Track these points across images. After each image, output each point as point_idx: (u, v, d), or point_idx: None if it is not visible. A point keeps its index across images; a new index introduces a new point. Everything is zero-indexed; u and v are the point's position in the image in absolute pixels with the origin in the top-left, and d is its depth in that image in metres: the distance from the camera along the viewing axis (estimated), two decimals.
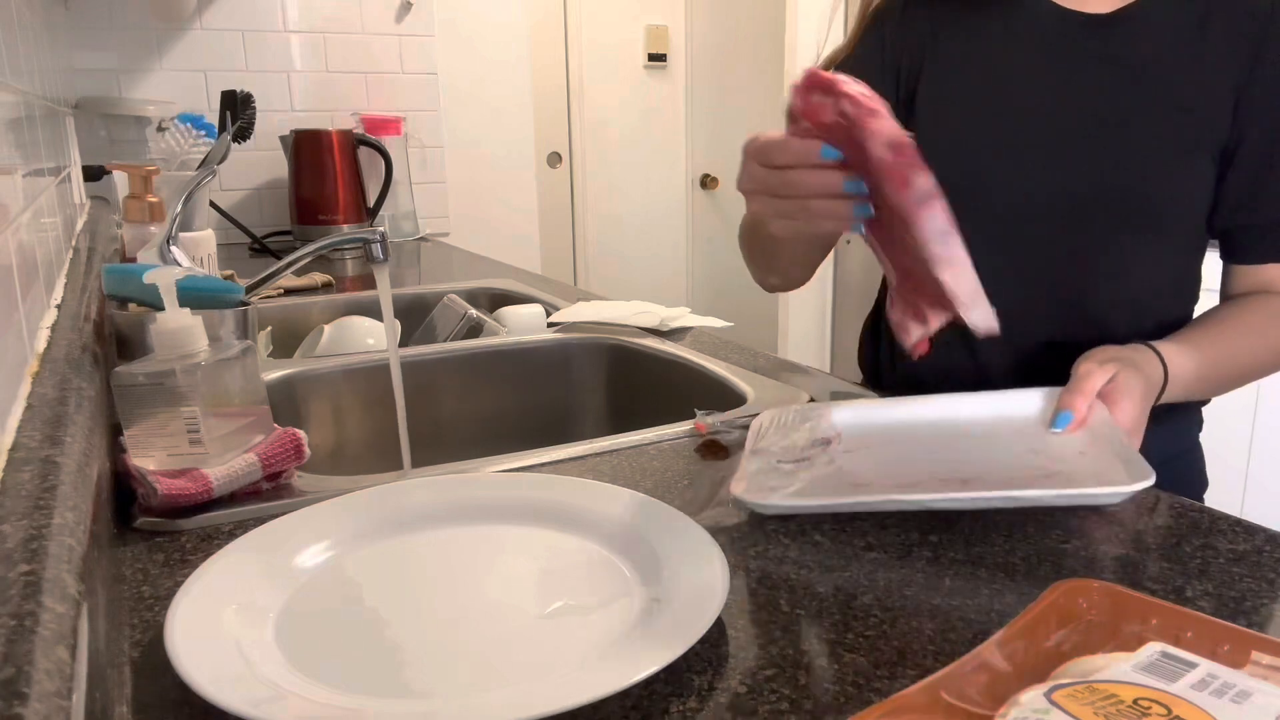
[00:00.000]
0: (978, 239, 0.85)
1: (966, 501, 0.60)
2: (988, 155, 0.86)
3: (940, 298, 0.60)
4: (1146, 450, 0.67)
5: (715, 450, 0.76)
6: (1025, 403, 0.75)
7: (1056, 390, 0.74)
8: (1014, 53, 0.86)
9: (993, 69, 0.87)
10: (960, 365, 0.90)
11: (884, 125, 0.56)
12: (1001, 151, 0.86)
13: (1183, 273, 0.89)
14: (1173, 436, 0.81)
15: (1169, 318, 0.86)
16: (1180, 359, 0.78)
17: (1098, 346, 0.78)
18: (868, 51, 0.93)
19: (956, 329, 0.75)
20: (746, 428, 0.77)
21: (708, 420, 0.80)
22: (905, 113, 0.90)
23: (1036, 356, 0.87)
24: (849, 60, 0.93)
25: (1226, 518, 0.63)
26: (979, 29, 0.88)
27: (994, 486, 0.61)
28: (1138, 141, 0.82)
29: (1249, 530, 0.61)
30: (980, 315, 0.59)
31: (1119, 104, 0.82)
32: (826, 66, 0.93)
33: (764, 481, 0.66)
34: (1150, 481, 0.57)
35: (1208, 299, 0.90)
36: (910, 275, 0.64)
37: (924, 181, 0.56)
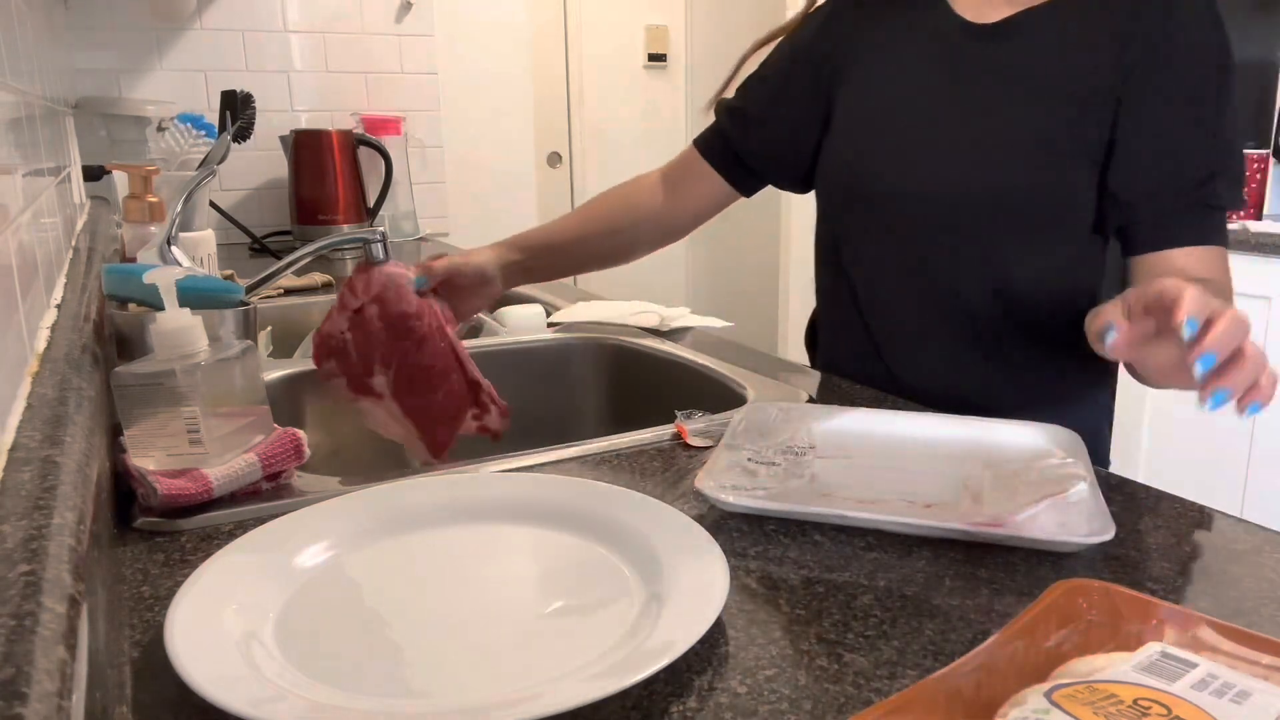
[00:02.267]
0: (877, 235, 0.96)
1: (921, 528, 0.60)
2: (886, 158, 0.92)
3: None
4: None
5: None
6: (1013, 433, 0.74)
7: (1048, 426, 0.74)
8: (919, 60, 0.92)
9: (900, 75, 0.93)
10: (874, 369, 0.98)
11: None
12: (898, 154, 0.91)
13: (1070, 270, 0.90)
14: (1077, 421, 0.83)
15: (1060, 313, 0.89)
16: None
17: (983, 337, 0.88)
18: (798, 41, 1.01)
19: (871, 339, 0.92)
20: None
21: (688, 423, 0.80)
22: (825, 107, 0.98)
23: (930, 351, 0.94)
24: (780, 48, 1.02)
25: (1226, 518, 0.63)
26: (895, 36, 0.94)
27: (951, 517, 0.60)
28: (1016, 144, 0.85)
29: (1249, 530, 0.61)
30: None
31: (1001, 109, 0.87)
32: (764, 43, 1.04)
33: (730, 478, 0.66)
34: (1109, 536, 0.55)
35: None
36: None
37: None
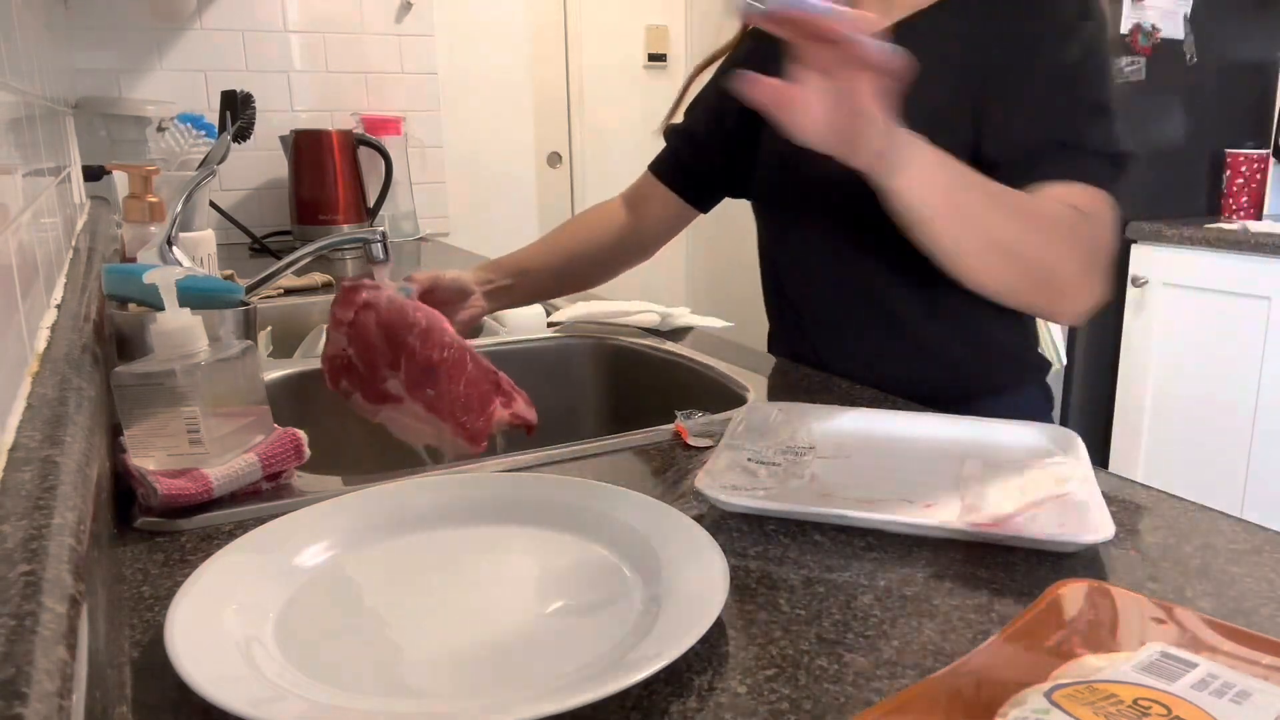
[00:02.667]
0: (802, 230, 1.01)
1: (921, 528, 0.60)
2: (805, 154, 0.93)
3: None
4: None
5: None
6: (1013, 433, 0.74)
7: (1048, 426, 0.74)
8: None
9: None
10: (801, 348, 1.04)
11: None
12: (804, 155, 0.93)
13: None
14: (1012, 413, 0.85)
15: (981, 305, 0.88)
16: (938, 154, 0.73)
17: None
18: (734, 59, 1.07)
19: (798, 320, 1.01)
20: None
21: (688, 423, 0.80)
22: (755, 116, 1.02)
23: (859, 344, 0.98)
24: (720, 67, 1.09)
25: (1226, 518, 0.63)
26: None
27: (951, 517, 0.60)
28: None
29: (1249, 530, 0.61)
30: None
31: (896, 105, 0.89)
32: (701, 69, 1.11)
33: (729, 478, 0.66)
34: (1109, 536, 0.55)
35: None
36: None
37: None
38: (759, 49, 1.04)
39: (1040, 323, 1.11)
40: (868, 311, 0.97)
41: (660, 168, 1.13)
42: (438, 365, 0.90)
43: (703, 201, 1.13)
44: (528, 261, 1.12)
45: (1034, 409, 1.00)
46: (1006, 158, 0.84)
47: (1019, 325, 1.00)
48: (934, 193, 0.72)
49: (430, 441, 0.93)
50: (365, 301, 0.93)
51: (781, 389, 0.95)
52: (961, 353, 0.97)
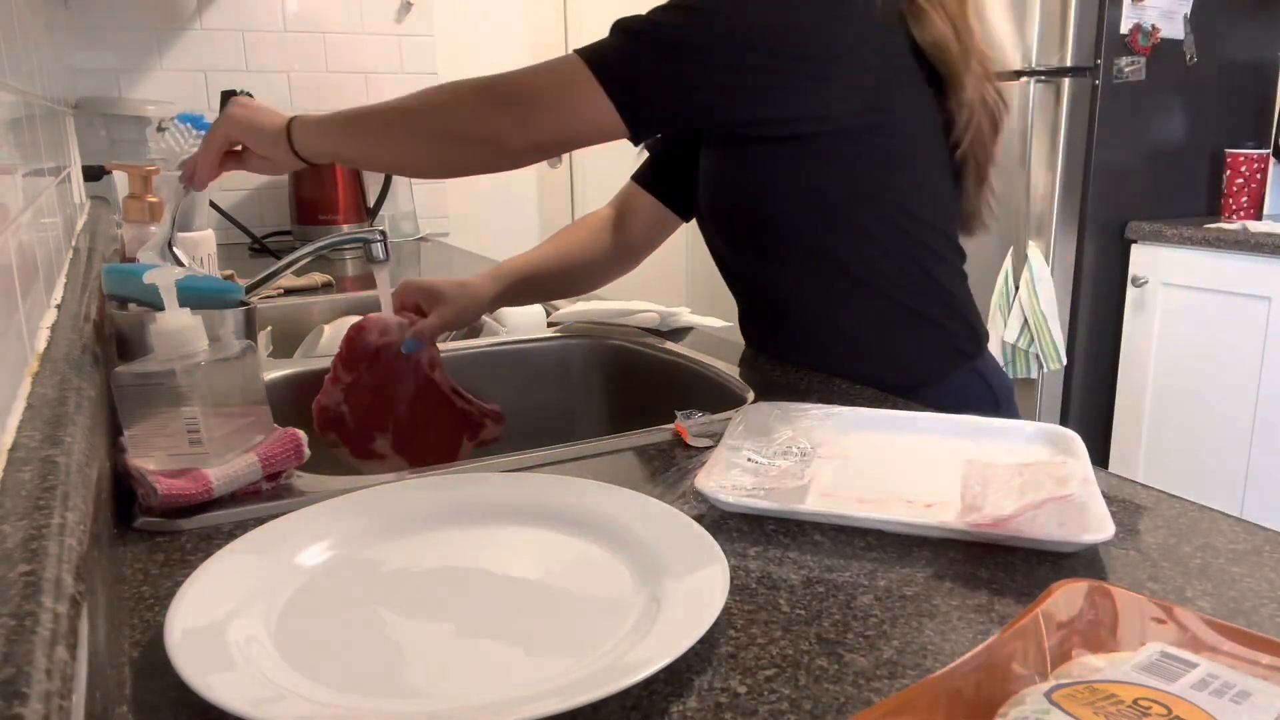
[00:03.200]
0: (707, 227, 1.05)
1: (921, 528, 0.60)
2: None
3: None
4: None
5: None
6: (1013, 433, 0.74)
7: (1048, 426, 0.74)
8: None
9: None
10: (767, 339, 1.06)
11: None
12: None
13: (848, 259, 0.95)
14: (949, 396, 0.91)
15: (892, 295, 0.94)
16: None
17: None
18: None
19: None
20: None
21: (688, 423, 0.80)
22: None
23: (787, 310, 1.00)
24: None
25: (1226, 518, 0.63)
26: None
27: (951, 517, 0.60)
28: None
29: (1249, 530, 0.61)
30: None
31: None
32: None
33: (729, 478, 0.66)
34: (1109, 536, 0.55)
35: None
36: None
37: None
38: None
39: (1041, 323, 1.10)
40: (776, 311, 1.00)
41: (643, 178, 1.16)
42: (423, 425, 0.94)
43: (685, 209, 1.13)
44: (533, 268, 1.14)
45: (966, 396, 0.99)
46: None
47: (932, 308, 0.98)
48: (322, 145, 0.90)
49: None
50: (371, 355, 0.95)
51: (781, 389, 0.95)
52: (879, 342, 0.97)
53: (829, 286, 0.95)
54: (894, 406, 0.86)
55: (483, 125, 0.85)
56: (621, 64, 0.84)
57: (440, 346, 1.14)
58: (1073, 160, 2.22)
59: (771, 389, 0.95)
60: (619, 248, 1.16)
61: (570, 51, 0.84)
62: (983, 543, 0.58)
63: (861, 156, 0.90)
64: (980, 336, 1.02)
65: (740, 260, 1.01)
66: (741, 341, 1.13)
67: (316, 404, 0.96)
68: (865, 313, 0.96)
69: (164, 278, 0.68)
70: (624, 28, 0.85)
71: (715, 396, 0.99)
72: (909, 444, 0.74)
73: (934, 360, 0.98)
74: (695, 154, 1.06)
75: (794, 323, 0.99)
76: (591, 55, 0.84)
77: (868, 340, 0.97)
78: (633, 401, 1.15)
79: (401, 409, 0.96)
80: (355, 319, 1.22)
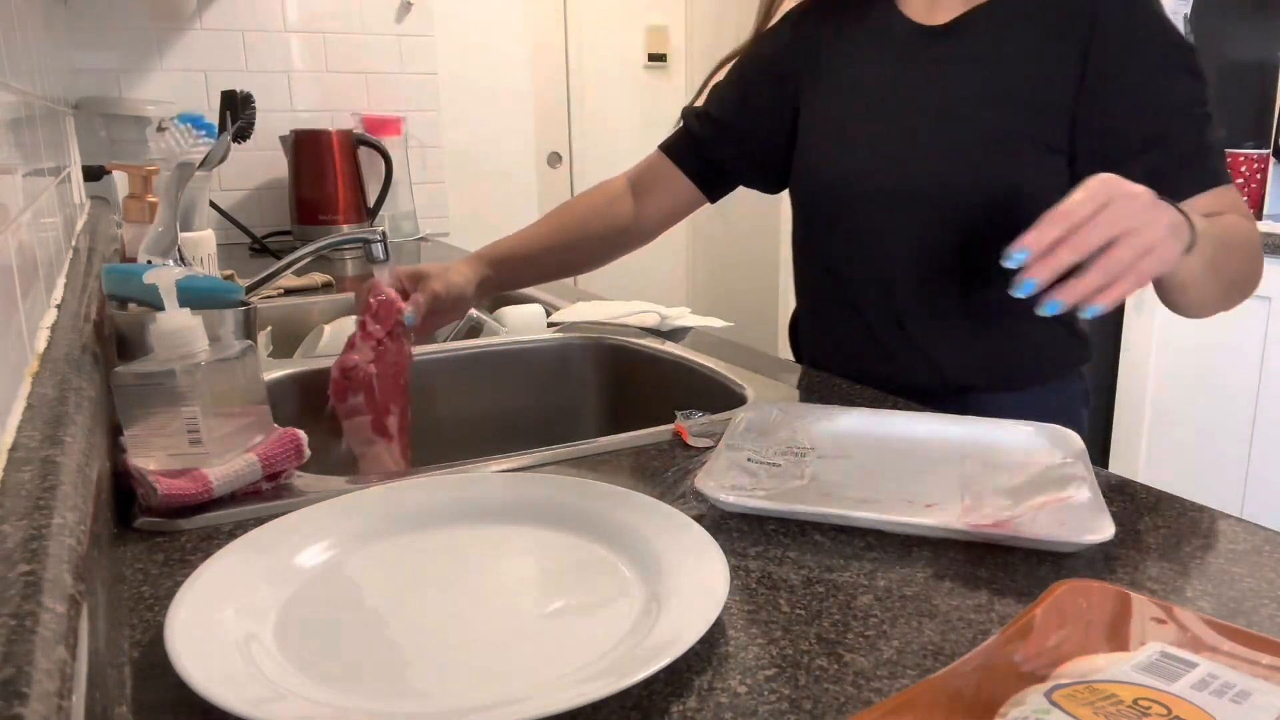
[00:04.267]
0: (846, 230, 0.99)
1: (921, 528, 0.60)
2: (850, 157, 0.96)
3: None
4: (1027, 412, 0.77)
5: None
6: (1013, 433, 0.74)
7: (1048, 426, 0.74)
8: (875, 64, 0.96)
9: (859, 78, 0.97)
10: (867, 358, 0.99)
11: None
12: (860, 152, 0.95)
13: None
14: (1049, 404, 0.89)
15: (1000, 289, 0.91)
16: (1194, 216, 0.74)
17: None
18: (762, 53, 1.06)
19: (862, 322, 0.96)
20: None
21: (688, 423, 0.80)
22: (791, 116, 1.03)
23: (895, 338, 0.96)
24: (746, 59, 1.07)
25: (1226, 518, 0.63)
26: (852, 42, 0.99)
27: (951, 517, 0.60)
28: (974, 136, 0.88)
29: (1249, 530, 0.61)
30: None
31: (950, 108, 0.89)
32: (729, 60, 1.09)
33: (729, 478, 0.66)
34: (1109, 536, 0.55)
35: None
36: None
37: None
38: (786, 44, 1.04)
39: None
40: (919, 299, 0.95)
41: (674, 149, 1.09)
42: (406, 417, 0.94)
43: (714, 189, 1.10)
44: (527, 246, 1.09)
45: (1075, 398, 1.00)
46: (1114, 154, 0.83)
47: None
48: (1199, 263, 0.73)
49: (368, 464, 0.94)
50: (390, 331, 0.91)
51: (781, 389, 0.95)
52: (1008, 340, 0.95)
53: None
54: (894, 407, 0.86)
55: (1255, 281, 0.85)
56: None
57: (436, 347, 1.14)
58: None
59: (771, 389, 0.95)
60: (629, 223, 1.11)
61: (1228, 188, 0.84)
62: (983, 543, 0.58)
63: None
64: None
65: (934, 266, 0.94)
66: (741, 341, 1.13)
67: (340, 365, 0.90)
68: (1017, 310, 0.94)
69: (164, 278, 0.68)
70: (1222, 150, 0.85)
71: (715, 396, 0.99)
72: (909, 444, 0.74)
73: (1056, 357, 0.98)
74: (753, 141, 1.04)
75: (957, 323, 0.94)
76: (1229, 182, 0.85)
77: (1016, 333, 0.95)
78: (633, 401, 1.15)
79: (405, 390, 0.93)
80: (356, 319, 1.22)
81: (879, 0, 0.98)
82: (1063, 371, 0.99)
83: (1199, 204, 0.82)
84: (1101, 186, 0.65)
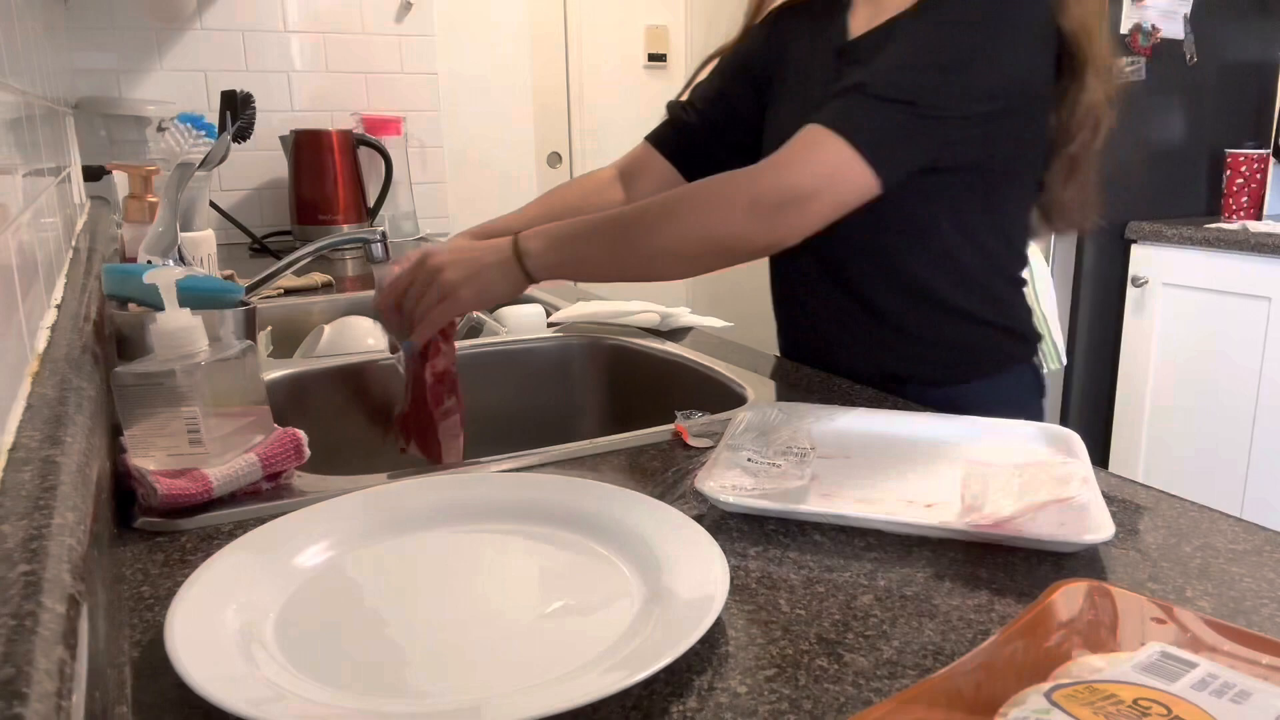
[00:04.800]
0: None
1: (921, 528, 0.60)
2: None
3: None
4: (973, 402, 0.86)
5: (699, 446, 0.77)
6: (1013, 433, 0.74)
7: (1048, 426, 0.74)
8: (819, 72, 0.99)
9: (806, 85, 1.00)
10: (805, 337, 1.06)
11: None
12: None
13: (953, 252, 0.94)
14: (1003, 391, 0.92)
15: (964, 287, 0.95)
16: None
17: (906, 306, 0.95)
18: (740, 50, 1.10)
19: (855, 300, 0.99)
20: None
21: (688, 423, 0.81)
22: (761, 112, 1.07)
23: (861, 315, 0.99)
24: (729, 56, 1.11)
25: (1226, 518, 0.63)
26: (810, 48, 1.02)
27: (951, 517, 0.60)
28: None
29: (1249, 530, 0.61)
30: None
31: None
32: (714, 56, 1.14)
33: (729, 478, 0.66)
34: (1109, 536, 0.56)
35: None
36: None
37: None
38: (762, 44, 1.07)
39: (1041, 323, 1.11)
40: (847, 296, 0.99)
41: (659, 139, 1.14)
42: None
43: (695, 173, 1.10)
44: (516, 229, 1.11)
45: (1023, 389, 1.02)
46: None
47: (996, 302, 0.99)
48: (559, 266, 0.86)
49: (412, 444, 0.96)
50: (451, 325, 0.94)
51: (781, 389, 0.95)
52: (944, 333, 0.97)
53: (934, 280, 0.95)
54: (894, 407, 0.86)
55: (762, 233, 0.82)
56: (883, 134, 0.82)
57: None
58: None
59: (771, 389, 0.95)
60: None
61: (815, 126, 0.82)
62: (983, 543, 0.58)
63: (997, 185, 0.93)
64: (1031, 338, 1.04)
65: (855, 261, 0.98)
66: (741, 341, 1.13)
67: (433, 372, 0.92)
68: (945, 297, 0.96)
69: (164, 278, 0.68)
70: (878, 95, 0.82)
71: (715, 396, 0.99)
72: (909, 444, 0.74)
73: (997, 348, 1.00)
74: (732, 133, 1.08)
75: (887, 321, 0.98)
76: (851, 130, 0.81)
77: (949, 325, 0.97)
78: (633, 401, 1.15)
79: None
80: (356, 319, 1.22)
81: (838, 9, 1.00)
82: (1003, 367, 1.01)
83: (797, 136, 0.83)
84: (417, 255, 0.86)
